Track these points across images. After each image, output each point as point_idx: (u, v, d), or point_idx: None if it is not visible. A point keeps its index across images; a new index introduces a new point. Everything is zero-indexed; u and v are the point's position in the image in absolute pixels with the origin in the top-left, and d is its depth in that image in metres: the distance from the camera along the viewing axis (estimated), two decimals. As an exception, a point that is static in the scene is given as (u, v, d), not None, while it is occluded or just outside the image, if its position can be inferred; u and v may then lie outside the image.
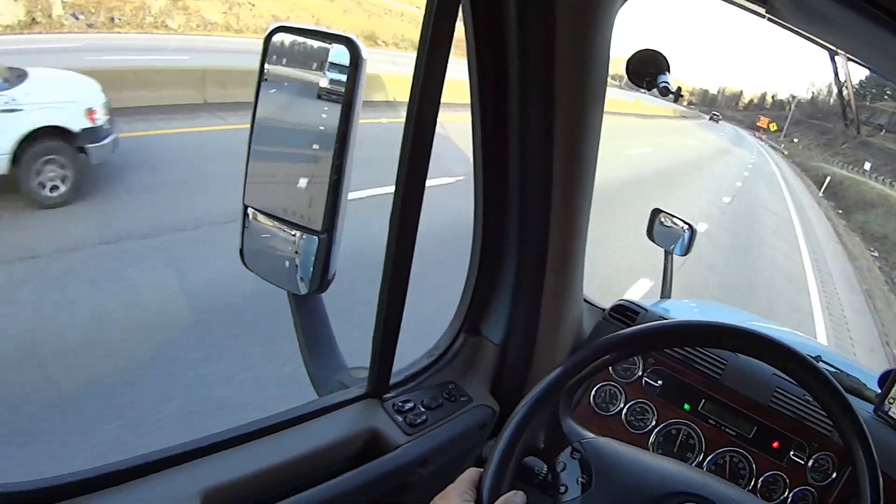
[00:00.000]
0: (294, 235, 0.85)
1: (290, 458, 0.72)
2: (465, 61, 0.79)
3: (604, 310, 1.09)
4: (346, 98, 0.78)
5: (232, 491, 0.67)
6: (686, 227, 1.46)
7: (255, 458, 0.71)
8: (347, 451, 0.76)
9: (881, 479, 0.68)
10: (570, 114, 0.74)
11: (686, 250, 1.46)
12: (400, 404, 0.83)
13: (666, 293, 1.57)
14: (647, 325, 0.69)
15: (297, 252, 0.86)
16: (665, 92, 0.73)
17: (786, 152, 44.10)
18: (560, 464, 0.67)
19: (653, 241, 1.50)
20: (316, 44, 0.83)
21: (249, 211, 0.88)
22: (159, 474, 0.66)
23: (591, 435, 0.69)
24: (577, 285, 0.95)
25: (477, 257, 0.89)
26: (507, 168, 0.81)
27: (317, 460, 0.73)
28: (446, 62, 0.67)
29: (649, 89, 0.73)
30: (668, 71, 0.74)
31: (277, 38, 0.86)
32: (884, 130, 46.40)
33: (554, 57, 0.70)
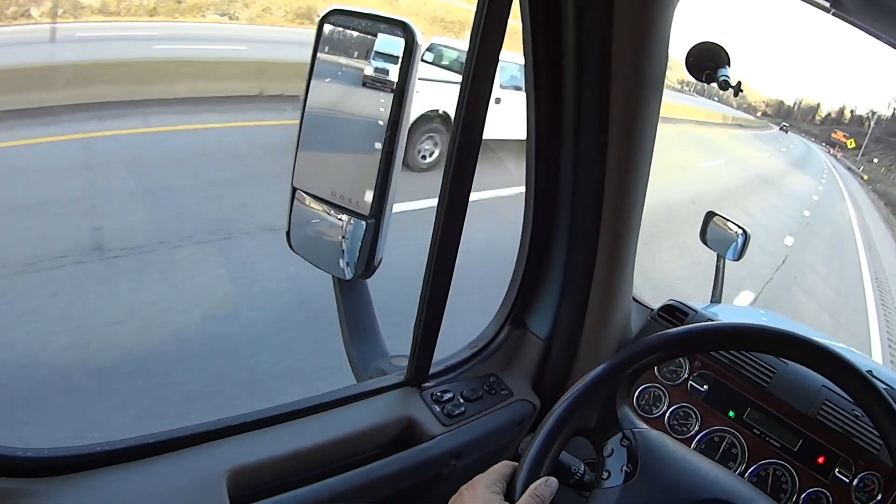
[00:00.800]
0: (342, 220, 0.86)
1: (322, 441, 0.72)
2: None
3: (653, 309, 1.06)
4: (399, 84, 0.77)
5: (259, 471, 0.67)
6: (740, 231, 1.42)
7: (285, 439, 0.71)
8: (381, 439, 0.76)
9: None
10: (626, 113, 0.73)
11: (739, 255, 1.42)
12: (438, 394, 0.82)
13: (716, 297, 1.53)
14: (696, 325, 0.67)
15: (344, 237, 0.86)
16: (725, 86, 0.70)
17: (865, 177, 34.62)
18: (608, 448, 0.65)
19: (705, 244, 1.46)
20: (367, 30, 0.83)
21: (298, 194, 0.88)
22: (186, 450, 0.66)
23: (645, 426, 0.67)
24: (626, 283, 0.93)
25: (525, 250, 0.87)
26: (559, 163, 0.79)
27: (349, 446, 0.73)
28: (496, 63, 0.66)
29: (709, 82, 0.70)
30: (729, 65, 0.71)
31: (331, 21, 0.86)
32: None
33: (611, 55, 0.69)
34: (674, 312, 1.04)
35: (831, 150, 51.94)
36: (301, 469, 0.71)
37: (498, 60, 0.67)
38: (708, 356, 0.99)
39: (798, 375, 0.90)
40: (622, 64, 0.70)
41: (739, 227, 1.43)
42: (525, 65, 0.75)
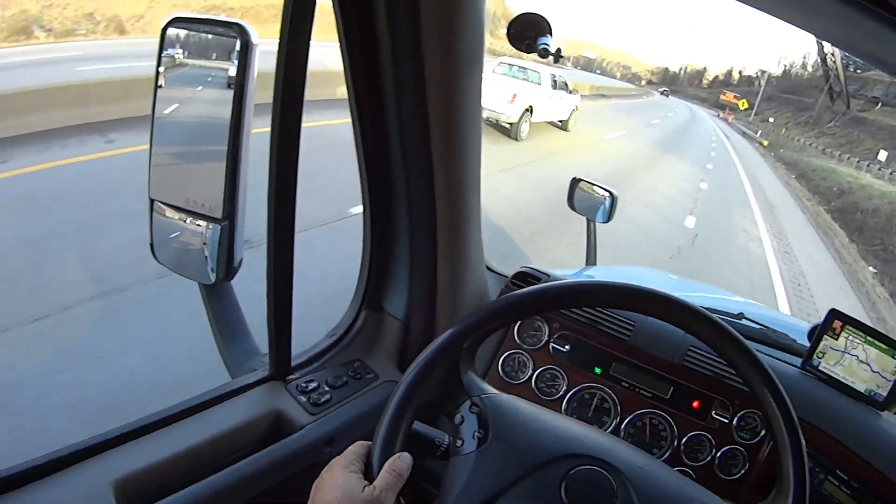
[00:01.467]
0: (201, 226, 0.85)
1: (198, 443, 0.72)
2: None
3: (507, 277, 1.08)
4: (238, 84, 0.78)
5: (143, 479, 0.68)
6: (606, 194, 1.46)
7: (163, 445, 0.71)
8: (253, 434, 0.76)
9: (800, 429, 0.66)
10: (444, 82, 0.74)
11: (608, 217, 1.46)
12: (303, 385, 0.83)
13: (591, 260, 1.57)
14: (534, 287, 0.69)
15: (205, 243, 0.86)
16: (545, 53, 0.73)
17: (764, 142, 30.93)
18: (458, 417, 0.66)
19: (574, 209, 1.50)
20: (209, 32, 0.84)
21: (156, 205, 0.88)
22: (68, 470, 0.65)
23: (494, 391, 0.68)
24: (474, 254, 0.94)
25: (369, 234, 0.88)
26: (387, 141, 0.81)
27: (223, 444, 0.74)
28: (308, 46, 0.67)
29: (529, 52, 0.73)
30: (550, 34, 0.74)
31: (173, 29, 0.86)
32: (880, 104, 37.77)
33: (420, 26, 0.70)
34: (526, 278, 1.06)
35: (721, 114, 49.88)
36: (182, 472, 0.71)
37: (310, 39, 0.68)
38: (565, 317, 1.02)
39: (659, 326, 0.93)
40: (433, 41, 0.71)
41: (605, 189, 1.47)
42: (341, 51, 0.76)
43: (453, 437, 0.66)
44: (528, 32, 0.73)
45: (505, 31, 0.73)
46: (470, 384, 0.68)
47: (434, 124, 0.77)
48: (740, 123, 44.87)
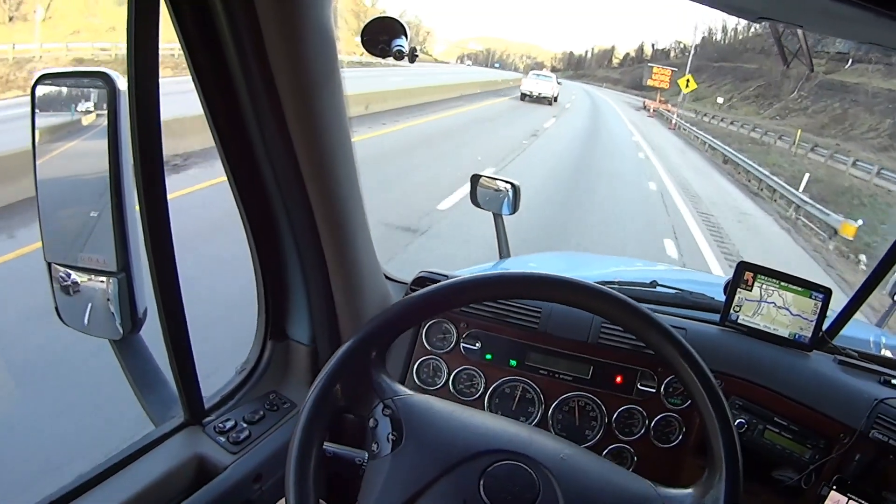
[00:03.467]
0: (102, 281, 0.84)
1: (124, 501, 0.70)
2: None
3: (407, 284, 1.08)
4: (111, 132, 0.76)
5: None
6: (508, 186, 1.46)
7: None
8: (177, 484, 0.75)
9: (714, 382, 0.66)
10: (299, 93, 0.73)
11: (513, 209, 1.46)
12: (220, 425, 0.82)
13: (504, 253, 1.58)
14: (421, 291, 0.69)
15: (108, 298, 0.84)
16: (400, 55, 0.73)
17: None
18: (372, 421, 0.66)
19: (479, 206, 1.50)
20: (76, 84, 0.83)
21: (53, 268, 0.86)
22: None
23: (407, 392, 0.68)
24: (368, 265, 0.94)
25: (257, 261, 0.87)
26: (259, 172, 0.80)
27: (150, 498, 0.72)
28: (156, 57, 0.65)
29: (384, 56, 0.73)
30: (405, 35, 0.74)
31: (42, 86, 0.84)
32: (851, 62, 27.15)
33: (263, 39, 0.68)
34: (425, 283, 1.06)
35: (648, 104, 31.81)
36: None
37: (158, 54, 0.66)
38: (471, 315, 1.02)
39: (566, 309, 0.93)
40: (281, 61, 0.70)
41: (506, 181, 1.47)
42: (195, 86, 0.75)
43: (368, 442, 0.66)
44: (381, 37, 0.73)
45: (358, 38, 0.73)
46: (382, 387, 0.68)
47: (298, 144, 0.76)
48: (672, 113, 27.01)
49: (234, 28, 0.69)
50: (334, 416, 0.65)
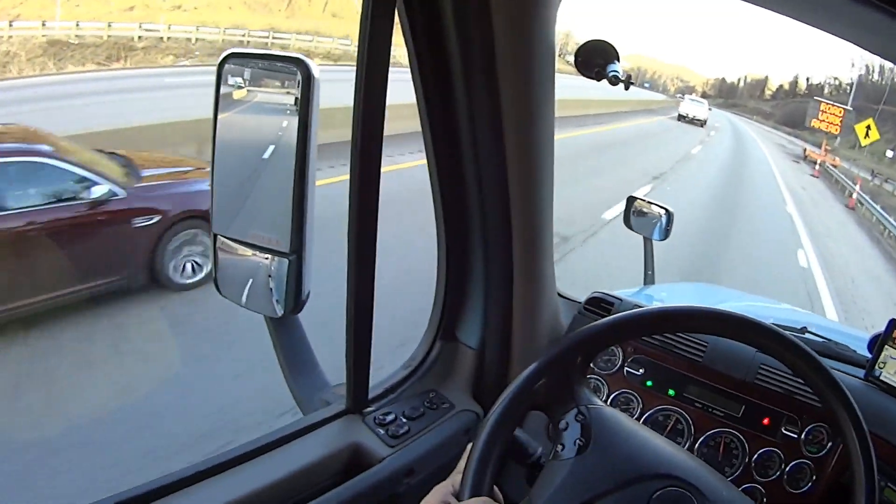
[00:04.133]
0: (267, 259, 0.86)
1: (274, 481, 0.72)
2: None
3: (580, 303, 1.09)
4: (302, 117, 0.78)
5: None
6: (663, 211, 1.45)
7: (238, 484, 0.71)
8: (331, 469, 0.76)
9: (871, 441, 0.68)
10: (519, 111, 0.75)
11: (665, 235, 1.45)
12: (381, 417, 0.83)
13: (649, 279, 1.57)
14: (615, 316, 0.69)
15: (270, 275, 0.86)
16: (615, 81, 0.73)
17: None
18: (564, 423, 0.68)
19: (630, 228, 1.49)
20: (268, 66, 0.85)
21: (219, 240, 0.88)
22: None
23: (601, 403, 0.70)
24: (547, 282, 0.94)
25: (444, 263, 0.89)
26: (462, 171, 0.81)
27: (300, 481, 0.74)
28: (387, 65, 0.67)
29: (598, 79, 0.73)
30: (617, 60, 0.74)
31: (230, 63, 0.86)
32: None
33: (495, 61, 0.71)
34: (599, 304, 1.07)
35: (814, 159, 21.10)
36: None
37: (389, 58, 0.68)
38: (639, 341, 1.03)
39: (731, 345, 0.92)
40: (508, 69, 0.72)
41: (662, 206, 1.46)
42: (412, 77, 0.77)
43: (553, 442, 0.68)
44: (596, 59, 0.74)
45: (572, 58, 0.73)
46: (579, 394, 0.70)
47: (510, 152, 0.77)
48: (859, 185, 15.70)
49: (463, 30, 0.70)
50: (528, 410, 0.68)
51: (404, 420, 0.85)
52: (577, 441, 0.66)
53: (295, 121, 0.79)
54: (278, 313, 0.84)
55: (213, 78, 0.77)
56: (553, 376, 0.68)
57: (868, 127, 16.10)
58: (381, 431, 0.82)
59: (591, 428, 0.67)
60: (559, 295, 1.06)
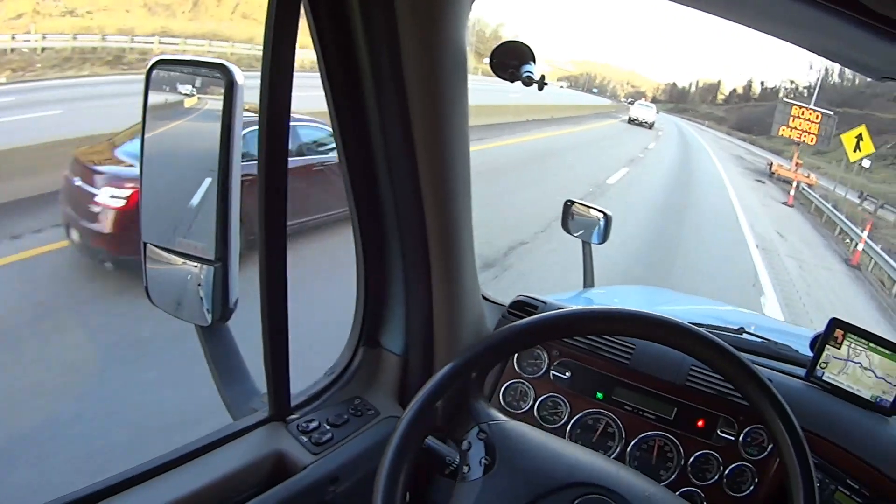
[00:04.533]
0: (196, 267, 0.85)
1: (200, 487, 0.72)
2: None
3: (504, 306, 1.08)
4: (224, 124, 0.78)
5: None
6: (601, 215, 1.45)
7: (166, 491, 0.70)
8: (255, 477, 0.76)
9: (805, 439, 0.66)
10: (428, 114, 0.74)
11: (603, 238, 1.44)
12: (304, 424, 0.82)
13: (588, 282, 1.56)
14: (531, 318, 0.69)
15: (199, 284, 0.85)
16: (529, 82, 0.72)
17: None
18: (466, 443, 0.66)
19: (569, 232, 1.48)
20: (193, 72, 0.84)
21: (148, 248, 0.87)
22: None
23: (503, 418, 0.68)
24: (468, 286, 0.94)
25: (362, 269, 0.88)
26: (376, 176, 0.81)
27: (226, 488, 0.73)
28: (292, 67, 0.67)
29: (513, 80, 0.73)
30: (533, 61, 0.74)
31: (158, 71, 0.86)
32: None
33: (401, 66, 0.70)
34: (523, 307, 1.06)
35: (786, 177, 15.93)
36: None
37: (294, 57, 0.67)
38: (565, 344, 1.01)
39: (659, 348, 0.91)
40: (415, 72, 0.71)
41: (600, 210, 1.46)
42: (322, 85, 0.76)
43: (460, 464, 0.67)
44: (511, 61, 0.73)
45: (488, 60, 0.73)
46: (478, 411, 0.69)
47: (421, 156, 0.77)
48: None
49: (371, 38, 0.70)
50: (428, 433, 0.66)
51: (328, 427, 0.84)
52: (483, 460, 0.65)
53: (219, 127, 0.79)
54: (207, 322, 0.84)
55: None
56: (448, 396, 0.67)
57: (859, 136, 12.52)
58: (305, 439, 0.81)
59: (495, 445, 0.65)
60: (485, 298, 1.06)
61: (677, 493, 0.96)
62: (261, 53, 0.69)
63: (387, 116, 0.75)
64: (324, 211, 4.23)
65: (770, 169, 18.15)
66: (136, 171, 3.95)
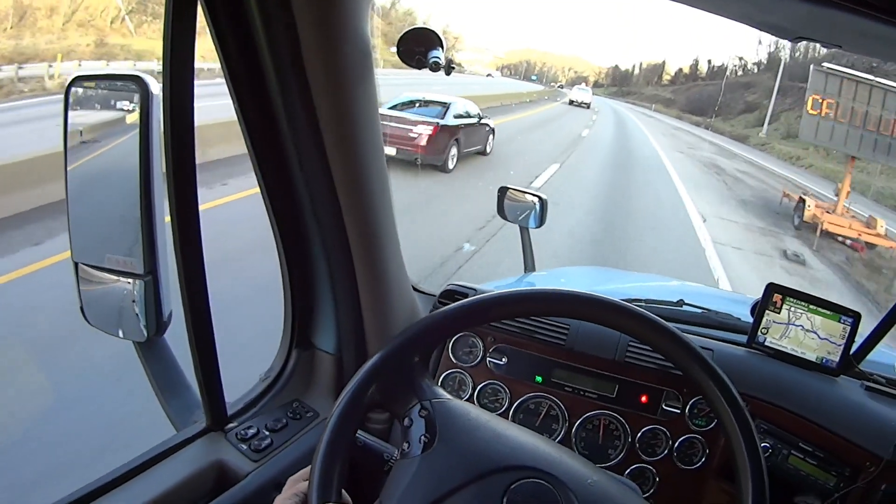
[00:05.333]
0: (129, 283, 0.84)
1: None
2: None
3: (436, 297, 1.07)
4: (143, 135, 0.77)
5: None
6: (535, 199, 1.45)
7: None
8: (197, 491, 0.75)
9: (745, 408, 0.65)
10: (335, 108, 0.73)
11: (540, 222, 1.44)
12: (243, 432, 0.82)
13: (529, 267, 1.57)
14: (449, 307, 0.68)
15: (134, 300, 0.84)
16: (436, 67, 0.72)
17: None
18: (407, 420, 0.65)
19: (505, 218, 1.48)
20: (110, 86, 0.83)
21: (80, 268, 0.86)
22: None
23: (447, 396, 0.67)
24: (396, 278, 0.93)
25: (286, 271, 0.87)
26: (289, 176, 0.80)
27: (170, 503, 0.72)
28: (192, 61, 0.65)
29: (420, 67, 0.73)
30: (441, 47, 0.73)
31: (76, 87, 0.85)
32: None
33: (300, 47, 0.68)
34: (453, 296, 1.05)
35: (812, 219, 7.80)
36: None
37: (194, 54, 0.66)
38: (499, 330, 1.01)
39: (593, 326, 0.92)
40: (317, 65, 0.70)
41: (534, 194, 1.46)
42: (227, 86, 0.75)
43: (401, 441, 0.65)
44: (417, 48, 0.73)
45: (395, 48, 0.73)
46: (423, 389, 0.67)
47: (332, 153, 0.76)
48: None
49: (271, 34, 0.69)
50: (368, 411, 0.66)
51: (267, 433, 0.83)
52: (423, 438, 0.64)
53: (137, 139, 0.78)
54: (143, 337, 0.83)
55: None
56: (388, 377, 0.66)
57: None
58: (244, 447, 0.80)
59: (436, 423, 0.64)
60: (416, 290, 1.05)
61: (628, 469, 0.96)
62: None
63: (294, 116, 0.74)
64: (469, 146, 8.35)
65: (797, 215, 8.71)
66: (419, 116, 7.46)
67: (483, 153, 9.00)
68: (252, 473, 0.78)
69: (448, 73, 0.73)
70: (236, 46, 0.71)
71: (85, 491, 0.70)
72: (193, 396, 0.84)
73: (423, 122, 7.20)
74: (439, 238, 4.95)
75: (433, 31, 0.74)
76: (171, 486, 0.73)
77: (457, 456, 0.63)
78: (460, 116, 8.00)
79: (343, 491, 0.64)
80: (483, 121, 8.89)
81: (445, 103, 7.85)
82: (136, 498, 0.71)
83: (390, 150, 6.75)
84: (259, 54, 0.71)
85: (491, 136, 9.27)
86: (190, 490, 0.74)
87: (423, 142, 7.10)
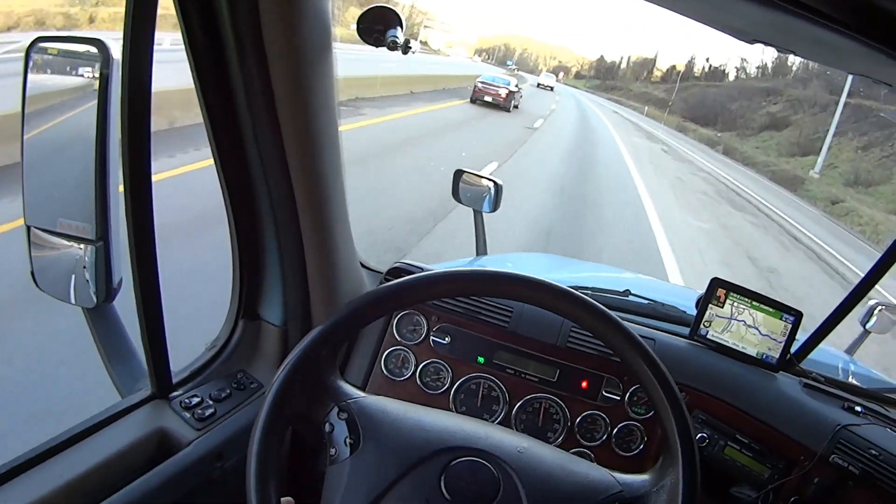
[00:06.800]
0: (81, 248, 0.84)
1: (83, 472, 0.70)
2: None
3: (382, 273, 1.08)
4: (101, 100, 0.76)
5: None
6: (490, 184, 1.47)
7: (46, 480, 0.68)
8: (140, 457, 0.75)
9: (680, 396, 0.66)
10: (290, 76, 0.73)
11: (494, 206, 1.47)
12: (187, 400, 0.82)
13: (481, 250, 1.59)
14: (394, 282, 0.68)
15: (85, 266, 0.84)
16: (394, 46, 0.73)
17: None
18: (328, 425, 0.65)
19: (459, 202, 1.51)
20: (72, 49, 0.83)
21: (32, 232, 0.85)
22: None
23: (360, 394, 0.68)
24: (343, 254, 0.94)
25: (235, 241, 0.87)
26: (243, 146, 0.80)
27: (111, 470, 0.72)
28: (153, 29, 0.66)
29: (378, 45, 0.74)
30: (401, 26, 0.75)
31: (37, 48, 0.84)
32: None
33: (260, 24, 0.69)
34: (400, 274, 1.06)
35: None
36: (74, 502, 0.68)
37: (154, 33, 0.66)
38: (443, 310, 1.02)
39: (538, 310, 0.93)
40: (276, 40, 0.71)
41: (490, 178, 1.48)
42: (188, 58, 0.75)
43: (327, 447, 0.65)
44: (376, 26, 0.74)
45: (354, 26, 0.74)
46: (334, 390, 0.67)
47: (285, 124, 0.76)
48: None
49: (233, 8, 0.69)
50: (292, 422, 0.65)
51: (210, 402, 0.84)
52: (347, 440, 0.64)
53: (95, 104, 0.77)
54: (92, 303, 0.82)
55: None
56: (304, 379, 0.65)
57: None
58: (187, 415, 0.80)
59: (358, 423, 0.64)
60: (364, 266, 1.06)
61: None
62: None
63: (251, 89, 0.75)
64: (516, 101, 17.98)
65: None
66: (501, 83, 17.99)
67: (517, 107, 17.78)
68: (194, 442, 0.78)
69: (405, 53, 0.74)
70: (198, 17, 0.71)
71: (26, 457, 0.70)
72: (140, 365, 0.83)
73: (504, 87, 16.68)
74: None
75: (392, 10, 0.75)
76: (114, 453, 0.72)
77: (387, 451, 0.63)
78: (512, 88, 17.15)
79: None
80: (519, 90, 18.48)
81: (508, 81, 17.74)
82: (78, 463, 0.71)
83: (488, 99, 16.19)
84: (219, 24, 0.71)
85: (519, 97, 18.60)
86: (132, 456, 0.74)
87: (503, 96, 16.36)
